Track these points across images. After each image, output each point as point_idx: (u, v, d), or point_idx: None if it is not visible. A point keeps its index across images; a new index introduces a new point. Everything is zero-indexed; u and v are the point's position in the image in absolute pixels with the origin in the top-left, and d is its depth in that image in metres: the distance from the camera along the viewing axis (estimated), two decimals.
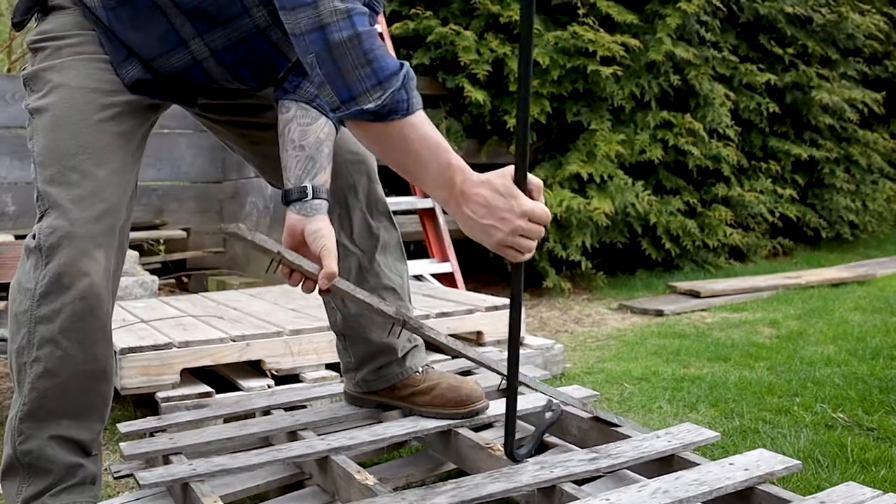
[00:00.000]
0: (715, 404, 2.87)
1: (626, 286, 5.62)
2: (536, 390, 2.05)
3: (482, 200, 1.48)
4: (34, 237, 1.62)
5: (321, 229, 1.74)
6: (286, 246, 1.75)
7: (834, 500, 1.50)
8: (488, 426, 2.26)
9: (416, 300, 3.33)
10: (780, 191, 6.46)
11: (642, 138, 5.63)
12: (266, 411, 2.31)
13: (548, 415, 1.96)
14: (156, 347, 2.72)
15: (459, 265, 4.89)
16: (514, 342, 1.70)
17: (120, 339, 2.80)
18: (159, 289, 4.96)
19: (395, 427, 2.00)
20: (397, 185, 5.66)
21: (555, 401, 1.98)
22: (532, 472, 1.69)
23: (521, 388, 2.37)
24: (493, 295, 3.80)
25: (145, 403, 2.82)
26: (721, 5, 6.13)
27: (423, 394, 2.08)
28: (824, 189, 6.95)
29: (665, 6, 5.75)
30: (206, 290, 5.13)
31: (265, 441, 2.12)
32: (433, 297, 3.62)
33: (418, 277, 4.81)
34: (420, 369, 2.12)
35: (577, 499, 1.59)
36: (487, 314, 3.31)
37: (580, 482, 1.79)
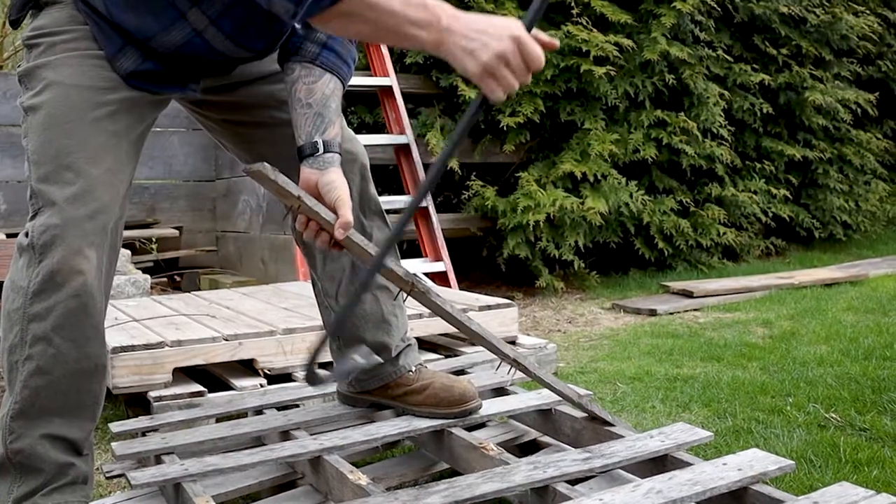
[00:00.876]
0: (708, 404, 2.87)
1: (620, 286, 5.62)
2: (540, 381, 2.04)
3: (474, 25, 1.44)
4: (27, 235, 1.62)
5: (334, 181, 1.74)
6: None
7: (827, 501, 1.50)
8: (482, 426, 2.25)
9: (410, 300, 3.32)
10: (773, 191, 6.47)
11: (636, 137, 5.64)
12: (258, 411, 2.30)
13: (360, 360, 1.78)
14: (148, 346, 2.71)
15: (452, 264, 4.88)
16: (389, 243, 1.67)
17: (112, 338, 2.78)
18: (151, 287, 4.95)
19: (388, 427, 2.00)
20: (391, 184, 5.67)
21: (374, 357, 1.80)
22: (525, 472, 1.69)
23: (514, 388, 2.37)
24: (486, 294, 3.79)
25: (137, 403, 2.81)
26: (715, 5, 6.13)
27: (417, 393, 2.07)
28: (817, 189, 6.95)
29: (660, 6, 5.76)
30: (199, 289, 5.12)
31: (258, 441, 2.11)
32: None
33: None
34: (413, 368, 2.12)
35: (570, 499, 1.58)
36: (480, 314, 3.30)
37: (573, 482, 1.79)
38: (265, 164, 1.59)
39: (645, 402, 2.92)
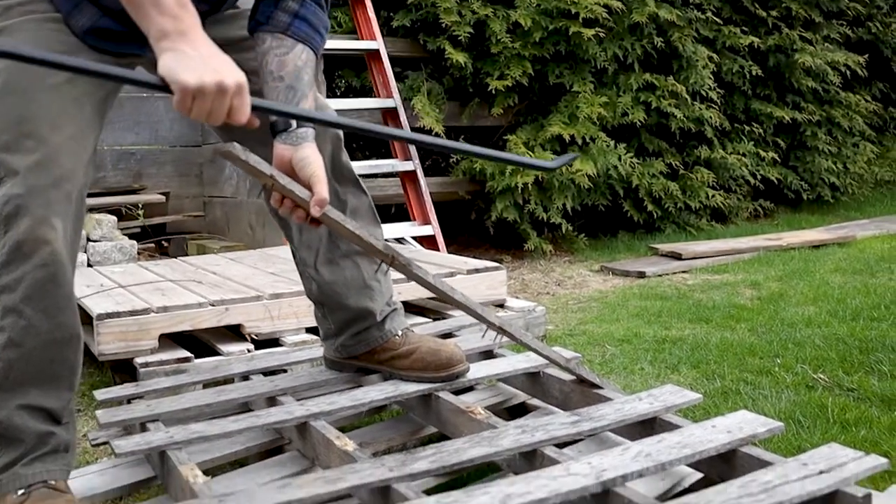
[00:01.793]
0: (696, 366, 2.87)
1: (608, 248, 5.61)
2: (527, 346, 2.02)
3: (212, 49, 1.43)
4: None
5: (308, 157, 1.70)
6: None
7: (816, 462, 1.49)
8: (470, 389, 2.25)
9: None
10: (762, 153, 6.45)
11: (625, 100, 5.61)
12: (245, 376, 2.28)
13: None
14: (133, 313, 2.69)
15: (441, 228, 4.87)
16: None
17: (97, 305, 2.77)
18: (138, 253, 4.92)
19: (375, 392, 1.99)
20: (377, 148, 5.64)
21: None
22: (513, 436, 1.68)
23: (502, 351, 2.36)
24: (474, 257, 3.78)
25: (124, 369, 2.79)
26: None
27: (403, 357, 2.06)
28: (806, 151, 6.94)
29: None
30: (186, 255, 5.09)
31: (244, 407, 2.10)
32: (414, 261, 3.58)
33: (400, 240, 4.79)
34: (399, 333, 2.10)
35: (558, 462, 1.57)
36: (469, 277, 3.29)
37: (562, 445, 1.78)
38: (235, 144, 1.56)
39: (634, 364, 2.91)
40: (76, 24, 1.67)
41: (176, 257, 4.49)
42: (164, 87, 1.41)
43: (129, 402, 2.11)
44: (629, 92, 5.68)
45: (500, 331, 1.94)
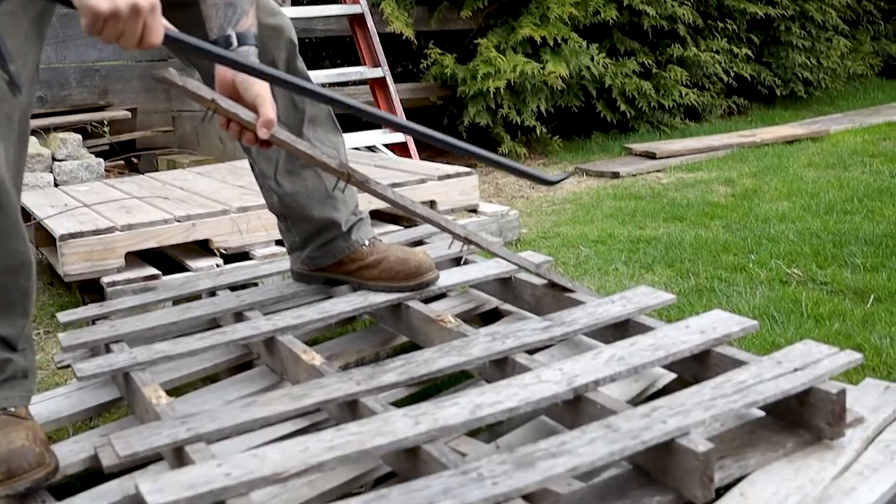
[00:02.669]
0: (671, 264, 2.86)
1: (582, 150, 5.56)
2: (494, 253, 1.99)
3: None
4: None
5: (251, 77, 1.63)
6: None
7: (791, 360, 1.47)
8: (442, 296, 2.22)
9: (368, 171, 3.22)
10: (735, 50, 6.37)
11: None
12: (212, 292, 2.23)
13: None
14: (97, 232, 2.63)
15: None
16: None
17: (60, 225, 2.71)
18: (107, 171, 4.83)
19: (343, 303, 1.95)
20: (347, 55, 5.52)
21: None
22: (483, 344, 1.65)
23: (473, 257, 2.33)
24: (448, 163, 3.73)
25: (94, 289, 2.75)
26: None
27: (371, 267, 2.01)
28: (780, 47, 6.86)
29: None
30: (157, 170, 5.00)
31: (212, 323, 2.06)
32: (385, 168, 3.54)
33: (371, 148, 4.72)
34: (366, 242, 2.04)
35: (530, 369, 1.54)
36: (441, 183, 3.24)
37: (534, 351, 1.76)
38: (170, 69, 1.49)
39: (608, 265, 2.89)
40: None
41: (146, 174, 4.41)
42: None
43: (93, 322, 2.07)
44: None
45: (466, 240, 1.90)
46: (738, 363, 1.53)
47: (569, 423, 1.47)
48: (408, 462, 1.32)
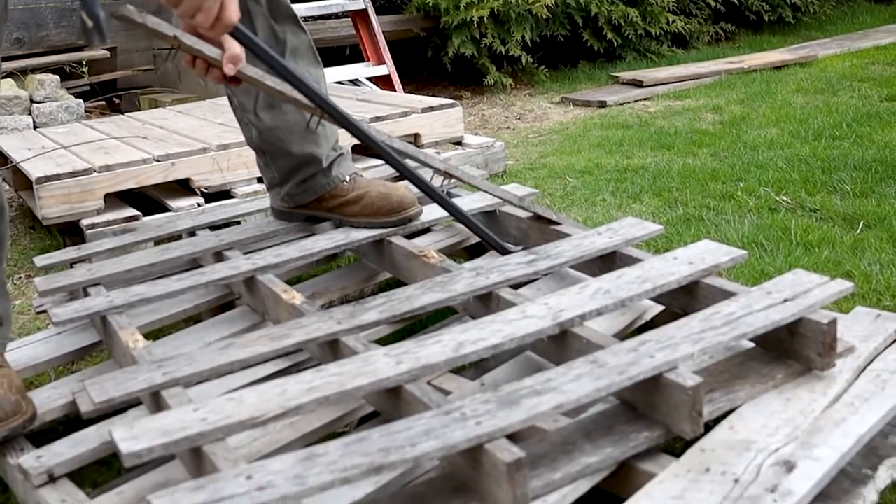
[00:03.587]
0: (659, 193, 2.82)
1: (569, 79, 5.49)
2: (476, 186, 1.95)
3: None
4: None
5: None
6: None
7: (781, 290, 1.44)
8: (426, 231, 2.18)
9: (350, 105, 3.19)
10: None
11: None
12: (192, 232, 2.18)
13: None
14: (74, 174, 2.58)
15: (396, 67, 4.72)
16: None
17: (36, 168, 2.66)
18: (89, 112, 4.76)
19: (325, 241, 1.90)
20: None
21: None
22: (467, 280, 1.61)
23: (457, 190, 2.28)
24: (433, 95, 3.66)
25: (74, 232, 2.70)
26: None
27: (353, 203, 1.96)
28: None
29: None
30: (139, 110, 4.92)
31: (192, 264, 2.02)
32: (368, 102, 3.47)
33: (354, 82, 4.65)
34: (347, 178, 2.00)
35: (514, 304, 1.51)
36: (424, 115, 3.19)
37: (520, 286, 1.73)
38: (129, 6, 1.43)
39: (595, 196, 2.86)
40: None
41: (126, 114, 4.34)
42: None
43: (72, 266, 2.03)
44: None
45: (447, 174, 1.86)
46: (727, 294, 1.50)
47: (555, 359, 1.44)
48: (390, 402, 1.29)
